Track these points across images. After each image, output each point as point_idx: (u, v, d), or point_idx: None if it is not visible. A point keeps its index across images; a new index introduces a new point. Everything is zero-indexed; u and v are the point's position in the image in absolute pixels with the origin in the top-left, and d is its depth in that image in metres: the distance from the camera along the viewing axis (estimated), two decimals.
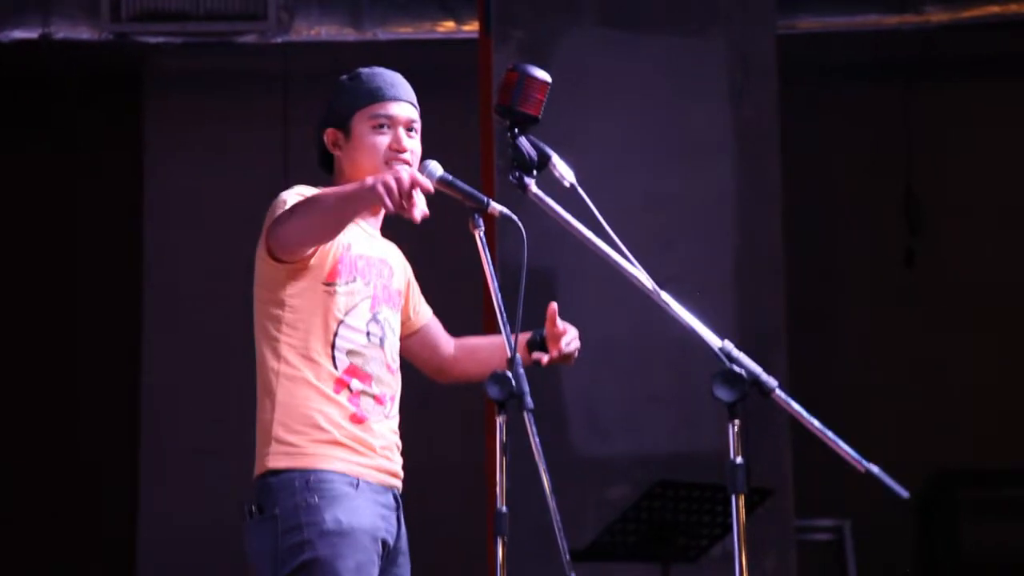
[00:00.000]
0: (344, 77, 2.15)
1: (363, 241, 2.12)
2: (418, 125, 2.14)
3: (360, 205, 2.00)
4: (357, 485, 2.04)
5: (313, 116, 2.25)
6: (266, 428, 2.05)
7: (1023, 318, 5.40)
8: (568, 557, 1.81)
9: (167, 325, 5.41)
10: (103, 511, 5.49)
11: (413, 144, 2.07)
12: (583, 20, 4.53)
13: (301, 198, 2.04)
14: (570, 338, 2.20)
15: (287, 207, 2.02)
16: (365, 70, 2.14)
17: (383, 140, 2.06)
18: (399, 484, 2.12)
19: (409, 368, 2.30)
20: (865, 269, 5.63)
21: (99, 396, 5.59)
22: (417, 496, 2.35)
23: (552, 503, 1.75)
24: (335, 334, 2.07)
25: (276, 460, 2.04)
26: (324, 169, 2.19)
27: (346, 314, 2.08)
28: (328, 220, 2.00)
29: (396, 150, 2.04)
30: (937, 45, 5.30)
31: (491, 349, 2.39)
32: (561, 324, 2.20)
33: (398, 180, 1.83)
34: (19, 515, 5.41)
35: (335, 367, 2.06)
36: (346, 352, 2.07)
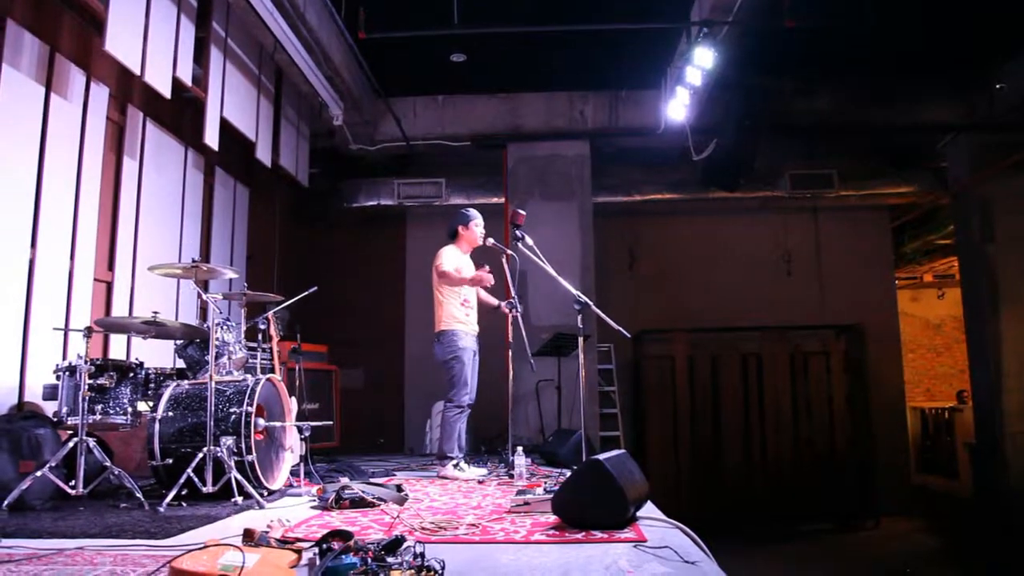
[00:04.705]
0: (463, 210, 4.78)
1: (467, 264, 4.66)
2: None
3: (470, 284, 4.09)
4: (467, 334, 4.63)
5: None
6: (440, 317, 4.62)
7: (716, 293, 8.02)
8: (532, 359, 4.78)
9: (417, 309, 8.15)
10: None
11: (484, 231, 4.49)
12: (535, 196, 7.23)
13: (445, 261, 4.34)
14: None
15: (443, 265, 4.38)
16: (471, 209, 4.80)
17: (480, 231, 4.72)
18: (476, 332, 4.62)
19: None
20: (613, 273, 8.37)
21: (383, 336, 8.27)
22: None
23: (527, 342, 4.86)
24: (462, 292, 4.68)
25: (444, 325, 4.63)
26: (451, 237, 4.70)
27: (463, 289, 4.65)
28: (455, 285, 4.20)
29: (484, 235, 4.66)
30: (641, 205, 7.89)
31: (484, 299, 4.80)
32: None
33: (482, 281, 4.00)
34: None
35: (460, 297, 4.61)
36: (463, 295, 4.66)
